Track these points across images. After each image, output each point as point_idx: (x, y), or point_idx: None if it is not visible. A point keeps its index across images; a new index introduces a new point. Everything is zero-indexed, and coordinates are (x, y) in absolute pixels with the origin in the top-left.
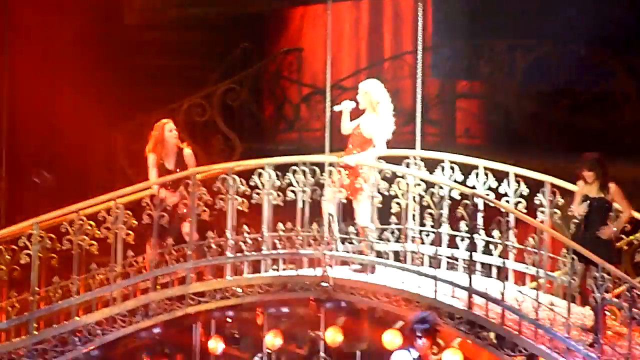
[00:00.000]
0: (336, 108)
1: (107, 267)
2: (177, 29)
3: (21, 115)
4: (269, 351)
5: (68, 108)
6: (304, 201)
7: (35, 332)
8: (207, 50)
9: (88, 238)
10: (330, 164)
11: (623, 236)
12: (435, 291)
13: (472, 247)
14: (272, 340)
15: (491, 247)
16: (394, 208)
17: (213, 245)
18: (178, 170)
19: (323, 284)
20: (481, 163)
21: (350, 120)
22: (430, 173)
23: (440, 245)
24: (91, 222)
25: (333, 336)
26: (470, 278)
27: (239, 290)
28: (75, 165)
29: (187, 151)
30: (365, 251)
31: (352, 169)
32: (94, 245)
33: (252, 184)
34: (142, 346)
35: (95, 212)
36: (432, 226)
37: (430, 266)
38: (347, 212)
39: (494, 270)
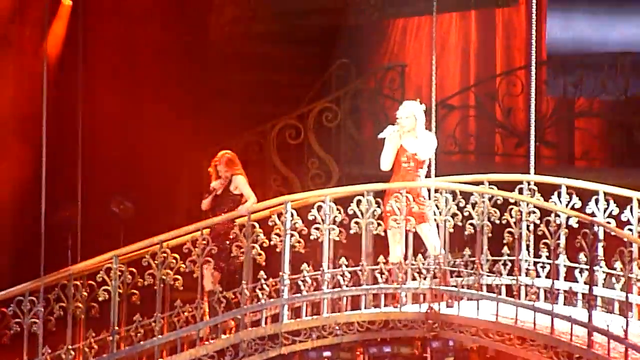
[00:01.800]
0: (381, 135)
1: (193, 303)
2: (268, 43)
3: (99, 138)
4: None
5: (150, 130)
6: (407, 231)
7: None
8: (300, 66)
9: (172, 272)
10: (436, 190)
11: None
12: (552, 328)
13: (591, 280)
14: None
15: (613, 280)
16: (506, 238)
17: (308, 280)
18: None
19: (429, 321)
20: (601, 188)
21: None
22: (546, 200)
23: (557, 279)
24: (176, 255)
25: None
26: (590, 314)
27: (337, 328)
28: (158, 193)
29: (236, 179)
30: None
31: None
32: (179, 280)
33: (350, 212)
34: None
35: (180, 243)
36: (548, 257)
37: (546, 301)
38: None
39: (616, 306)
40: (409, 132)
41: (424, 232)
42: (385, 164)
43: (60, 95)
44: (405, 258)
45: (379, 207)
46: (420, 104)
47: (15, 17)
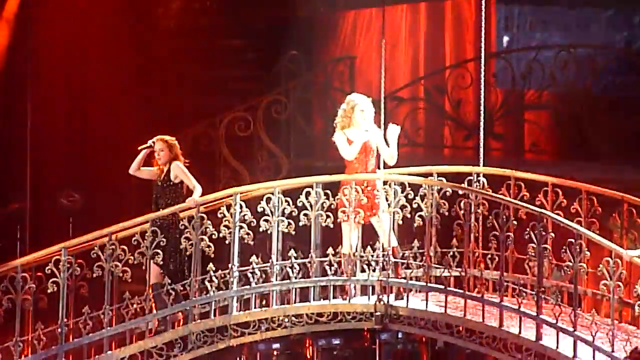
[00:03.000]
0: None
1: (141, 296)
2: (217, 36)
3: (48, 130)
4: None
5: (99, 122)
6: (357, 223)
7: None
8: (250, 58)
9: (121, 264)
10: (385, 182)
11: None
12: (501, 320)
13: (540, 272)
14: None
15: (561, 272)
16: (456, 230)
17: (257, 272)
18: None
19: (377, 313)
20: (550, 180)
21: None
22: (495, 192)
23: (506, 271)
24: (124, 247)
25: None
26: (538, 306)
27: (286, 320)
28: (106, 185)
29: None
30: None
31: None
32: (128, 272)
33: (299, 204)
34: None
35: (128, 235)
36: (497, 249)
37: (495, 293)
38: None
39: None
40: (354, 126)
41: (375, 224)
42: (350, 154)
43: (8, 87)
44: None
45: (327, 199)
46: (368, 96)
47: None
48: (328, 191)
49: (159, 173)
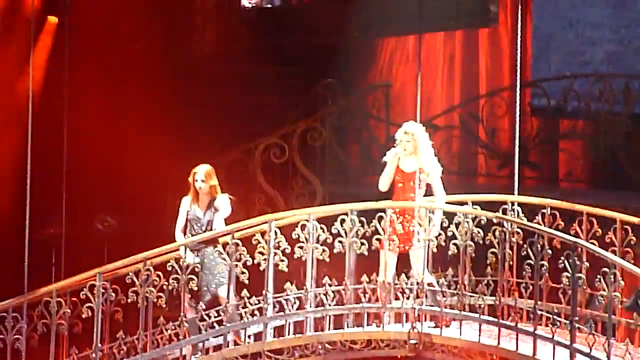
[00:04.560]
0: (386, 158)
1: (176, 321)
2: (252, 62)
3: (84, 155)
4: None
5: (135, 148)
6: (390, 250)
7: None
8: (285, 85)
9: (155, 290)
10: (421, 209)
11: None
12: (534, 349)
13: (574, 302)
14: None
15: (596, 301)
16: (490, 258)
17: (292, 298)
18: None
19: (411, 341)
20: (585, 209)
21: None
22: (529, 221)
23: (540, 300)
24: (159, 273)
25: None
26: (572, 335)
27: (320, 347)
28: (142, 210)
29: (220, 198)
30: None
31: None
32: (162, 297)
33: (334, 231)
34: None
35: (163, 261)
36: (531, 278)
37: (529, 322)
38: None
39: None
40: (410, 155)
41: (411, 255)
42: (382, 184)
43: (45, 112)
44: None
45: (362, 226)
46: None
47: (0, 34)
48: (363, 218)
49: (201, 204)
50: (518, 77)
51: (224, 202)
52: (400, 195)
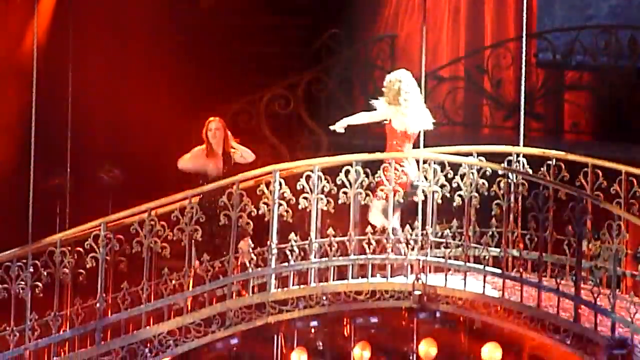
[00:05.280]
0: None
1: (180, 272)
2: (258, 13)
3: (88, 106)
4: None
5: (139, 98)
6: (396, 201)
7: (102, 343)
8: (290, 36)
9: (160, 240)
10: (424, 161)
11: None
12: (539, 301)
13: (579, 253)
14: (360, 353)
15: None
16: (495, 210)
17: (296, 249)
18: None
19: (415, 292)
20: (590, 161)
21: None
22: (534, 172)
23: (545, 252)
24: (163, 223)
25: (427, 349)
26: (577, 286)
27: (324, 298)
28: (146, 161)
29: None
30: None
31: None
32: (167, 248)
33: (339, 182)
34: (217, 358)
35: (168, 212)
36: (536, 230)
37: (534, 274)
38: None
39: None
40: (395, 106)
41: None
42: (348, 122)
43: (50, 64)
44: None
45: (367, 177)
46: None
47: None
48: (367, 169)
49: (217, 158)
50: (524, 28)
51: (246, 150)
52: (400, 149)
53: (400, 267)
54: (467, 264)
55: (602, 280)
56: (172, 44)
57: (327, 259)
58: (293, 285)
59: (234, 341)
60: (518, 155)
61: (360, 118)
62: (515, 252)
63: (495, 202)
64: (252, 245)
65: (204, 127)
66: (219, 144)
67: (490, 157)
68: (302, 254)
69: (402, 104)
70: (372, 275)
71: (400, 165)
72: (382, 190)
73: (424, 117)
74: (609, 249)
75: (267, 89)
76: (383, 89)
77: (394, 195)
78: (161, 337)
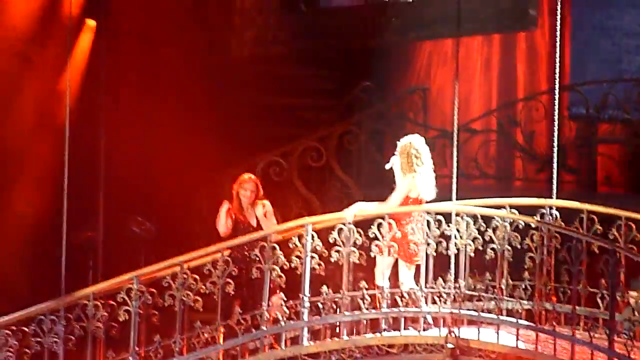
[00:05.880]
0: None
1: (212, 325)
2: (290, 64)
3: (121, 159)
4: None
5: (171, 150)
6: (427, 254)
7: None
8: (322, 88)
9: (192, 293)
10: (457, 214)
11: None
12: (572, 354)
13: (612, 306)
14: None
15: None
16: (527, 263)
17: (328, 302)
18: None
19: (448, 345)
20: (623, 214)
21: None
22: (567, 225)
23: (578, 304)
24: (196, 276)
25: None
26: (610, 340)
27: (356, 351)
28: (178, 213)
29: (261, 208)
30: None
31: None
32: (199, 301)
33: (371, 235)
34: None
35: (200, 265)
36: (569, 283)
37: (567, 327)
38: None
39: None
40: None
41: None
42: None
43: (82, 116)
44: (426, 281)
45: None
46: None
47: (38, 37)
48: None
49: (243, 216)
50: (557, 80)
51: (269, 209)
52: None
53: (415, 320)
54: (500, 317)
55: (635, 334)
56: (203, 94)
57: (359, 312)
58: (325, 338)
59: None
60: (551, 208)
61: (394, 201)
62: (548, 305)
63: (528, 255)
64: (285, 299)
65: (237, 183)
66: (250, 203)
67: (523, 209)
68: (334, 306)
69: (417, 170)
70: (404, 329)
71: (400, 224)
72: (376, 245)
73: (433, 183)
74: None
75: (299, 142)
76: (395, 154)
77: (388, 252)
78: None
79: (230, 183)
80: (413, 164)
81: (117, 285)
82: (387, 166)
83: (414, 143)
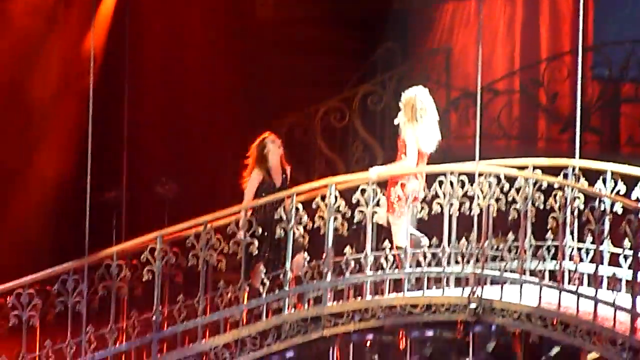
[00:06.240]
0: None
1: (236, 284)
2: (314, 26)
3: (144, 120)
4: None
5: (195, 111)
6: (450, 214)
7: (158, 355)
8: (346, 49)
9: (216, 253)
10: (480, 174)
11: None
12: (595, 314)
13: (635, 266)
14: None
15: None
16: (550, 223)
17: (351, 262)
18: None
19: (471, 305)
20: None
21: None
22: (590, 185)
23: (601, 264)
24: (219, 236)
25: None
26: (633, 299)
27: (380, 311)
28: (202, 174)
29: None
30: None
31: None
32: (222, 261)
33: (396, 195)
34: None
35: (224, 224)
36: (592, 243)
37: (590, 287)
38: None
39: None
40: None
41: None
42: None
43: (107, 76)
44: (449, 241)
45: (422, 190)
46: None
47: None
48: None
49: (269, 176)
50: (580, 41)
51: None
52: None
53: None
54: (523, 277)
55: None
56: (227, 56)
57: (382, 272)
58: (348, 298)
59: (290, 355)
60: (574, 168)
61: (411, 156)
62: (571, 265)
63: (551, 215)
64: (308, 259)
65: (264, 142)
66: (278, 162)
67: (546, 170)
68: (357, 267)
69: (419, 121)
70: (427, 288)
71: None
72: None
73: (437, 136)
74: None
75: (323, 103)
76: (400, 105)
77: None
78: (217, 350)
79: (253, 144)
80: (416, 116)
81: (140, 244)
82: (396, 121)
83: (418, 95)
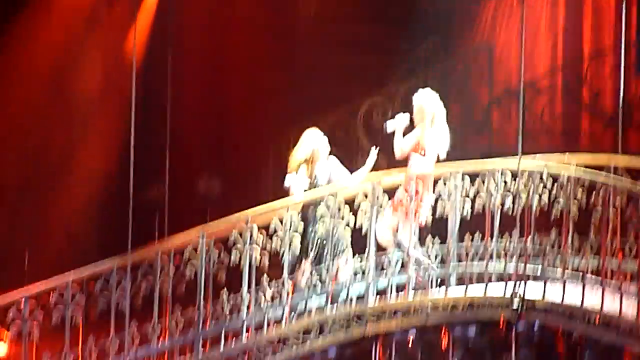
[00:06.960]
0: (389, 126)
1: (279, 280)
2: (357, 23)
3: (186, 116)
4: None
5: (238, 108)
6: (493, 211)
7: (202, 352)
8: (389, 46)
9: (259, 249)
10: (523, 170)
11: None
12: (639, 311)
13: None
14: None
15: None
16: (594, 219)
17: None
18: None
19: (514, 303)
20: None
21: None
22: (633, 182)
23: None
24: (262, 232)
25: None
26: None
27: (423, 309)
28: (245, 171)
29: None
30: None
31: None
32: (265, 257)
33: (437, 192)
34: None
35: (267, 220)
36: (636, 239)
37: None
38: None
39: None
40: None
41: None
42: (398, 151)
43: (149, 73)
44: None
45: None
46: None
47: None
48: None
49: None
50: (623, 37)
51: (338, 166)
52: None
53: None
54: (566, 274)
55: None
56: (270, 53)
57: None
58: (392, 295)
59: (332, 352)
60: (617, 166)
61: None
62: (614, 262)
63: (594, 211)
64: (351, 255)
65: (303, 139)
66: (322, 158)
67: (589, 167)
68: (400, 264)
69: (428, 125)
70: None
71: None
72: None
73: (445, 141)
74: None
75: (365, 99)
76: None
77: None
78: (260, 346)
79: (295, 140)
80: (424, 119)
81: (183, 241)
82: (393, 123)
83: (427, 98)
